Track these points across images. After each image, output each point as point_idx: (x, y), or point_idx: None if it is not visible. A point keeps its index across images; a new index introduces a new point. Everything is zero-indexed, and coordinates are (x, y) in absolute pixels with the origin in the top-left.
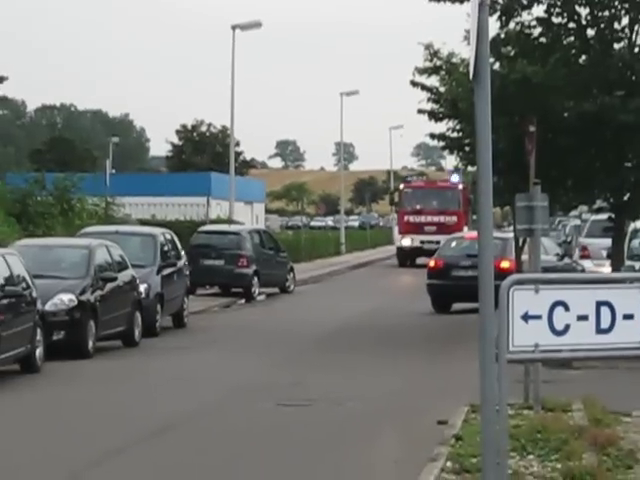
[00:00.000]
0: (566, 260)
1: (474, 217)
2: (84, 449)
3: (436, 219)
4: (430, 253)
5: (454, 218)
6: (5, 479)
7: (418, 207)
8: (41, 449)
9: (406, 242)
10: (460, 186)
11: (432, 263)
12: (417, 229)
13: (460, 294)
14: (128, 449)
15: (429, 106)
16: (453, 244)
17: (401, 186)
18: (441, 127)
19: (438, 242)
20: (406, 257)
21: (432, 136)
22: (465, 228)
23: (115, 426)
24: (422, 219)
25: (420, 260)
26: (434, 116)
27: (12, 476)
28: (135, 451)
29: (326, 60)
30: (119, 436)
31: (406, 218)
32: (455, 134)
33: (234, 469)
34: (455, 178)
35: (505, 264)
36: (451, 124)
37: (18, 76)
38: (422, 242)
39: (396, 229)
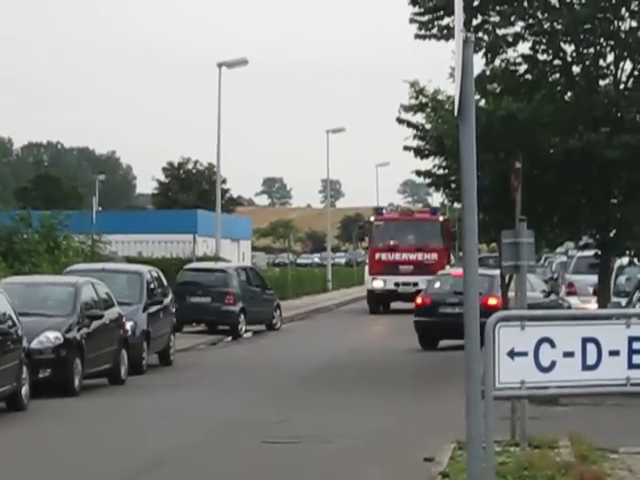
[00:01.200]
0: (552, 297)
1: (460, 254)
2: None
3: (413, 257)
4: (406, 297)
5: (434, 255)
6: None
7: (392, 243)
8: None
9: (378, 284)
10: (440, 218)
11: (419, 300)
12: (391, 269)
13: (447, 331)
14: None
15: (415, 143)
16: (440, 281)
17: (372, 218)
18: (427, 164)
19: (416, 284)
20: (378, 302)
21: (418, 173)
22: (447, 267)
23: (103, 463)
24: (396, 257)
25: (396, 305)
26: (420, 153)
27: None
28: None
29: (312, 98)
30: (108, 473)
31: (378, 256)
32: (441, 171)
33: None
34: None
35: (492, 301)
36: (437, 161)
37: (4, 114)
38: (397, 284)
39: (367, 269)
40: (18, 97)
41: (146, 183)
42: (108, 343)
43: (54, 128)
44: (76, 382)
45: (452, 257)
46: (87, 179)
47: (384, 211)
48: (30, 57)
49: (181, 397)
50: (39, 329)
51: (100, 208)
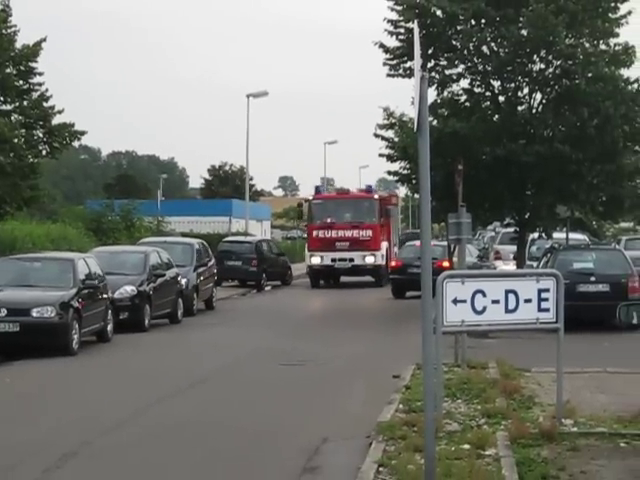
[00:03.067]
0: (483, 261)
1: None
2: (144, 396)
3: (349, 234)
4: (343, 273)
5: (369, 232)
6: (93, 415)
7: (329, 221)
8: (114, 394)
9: (316, 260)
10: (376, 195)
11: (393, 263)
12: (328, 246)
13: (412, 285)
14: (179, 393)
15: (387, 151)
16: (409, 249)
17: (310, 197)
18: (395, 166)
19: (352, 260)
20: (317, 277)
21: (389, 172)
22: (384, 244)
23: (165, 380)
24: (333, 234)
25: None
26: (390, 158)
27: (99, 412)
28: (185, 393)
29: (314, 118)
30: (167, 387)
31: (315, 233)
32: (405, 171)
33: (251, 405)
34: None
35: (446, 264)
36: (402, 164)
37: (95, 130)
38: (333, 260)
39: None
40: (104, 118)
41: (196, 180)
42: (169, 294)
43: (131, 140)
44: (146, 322)
45: (391, 233)
46: (154, 177)
47: (322, 189)
48: (111, 88)
49: (221, 332)
50: (120, 284)
51: (163, 198)
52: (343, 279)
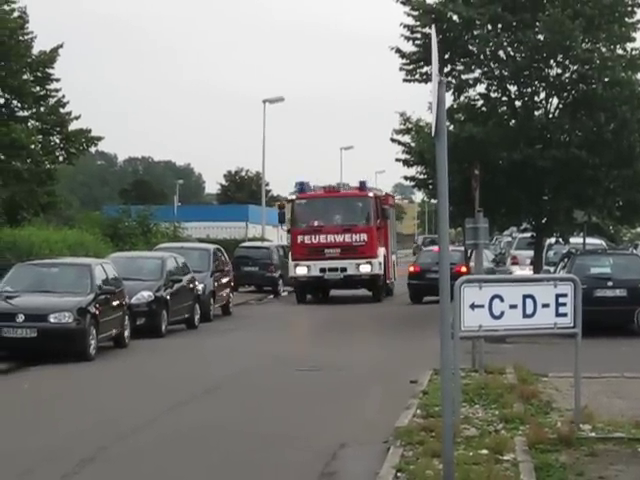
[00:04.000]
0: (499, 266)
1: (419, 238)
2: (160, 401)
3: (340, 239)
4: (334, 285)
5: (363, 236)
6: (109, 421)
7: (316, 224)
8: (130, 400)
9: (301, 271)
10: (370, 194)
11: (412, 269)
12: (315, 253)
13: (430, 290)
14: (195, 399)
15: (404, 156)
16: (427, 254)
17: (292, 196)
18: (412, 171)
19: (344, 269)
20: (304, 290)
21: (406, 178)
22: (382, 250)
23: (180, 385)
24: (321, 239)
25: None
26: (407, 163)
27: (116, 418)
28: (201, 399)
29: (330, 123)
30: (182, 393)
31: (300, 239)
32: (422, 176)
33: (267, 411)
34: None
35: (463, 269)
36: (419, 169)
37: (111, 137)
38: (322, 270)
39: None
40: (121, 125)
41: (212, 186)
42: (186, 299)
43: (147, 146)
44: (163, 327)
45: (389, 238)
46: (170, 183)
47: (306, 187)
48: (128, 94)
49: (238, 337)
50: (137, 289)
51: (179, 204)
52: (333, 292)
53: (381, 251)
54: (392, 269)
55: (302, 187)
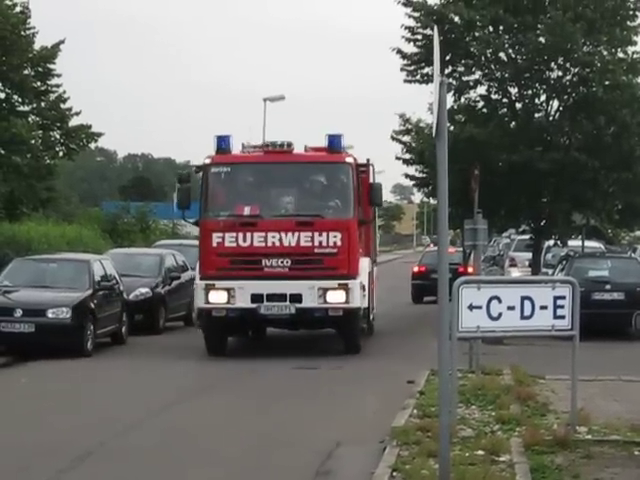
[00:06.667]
0: (492, 267)
1: (426, 238)
2: (158, 398)
3: (291, 241)
4: (277, 324)
5: (334, 238)
6: (106, 417)
7: (247, 212)
8: (127, 396)
9: (217, 298)
10: (349, 158)
11: (416, 269)
12: (244, 266)
13: (433, 291)
14: (192, 396)
15: (404, 155)
16: (431, 255)
17: (206, 160)
18: (411, 170)
19: (297, 298)
20: (219, 333)
21: (406, 176)
22: (364, 262)
23: (181, 381)
24: (256, 241)
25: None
26: (407, 162)
27: (113, 414)
28: (198, 396)
29: (330, 122)
30: (184, 387)
31: (216, 240)
32: (421, 175)
33: (264, 409)
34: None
35: (470, 269)
36: (419, 168)
37: (111, 132)
38: (256, 299)
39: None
40: (121, 121)
41: None
42: (184, 296)
43: (146, 143)
44: (161, 324)
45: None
46: (170, 180)
47: (230, 144)
48: (127, 91)
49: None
50: (134, 286)
51: None
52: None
53: (364, 265)
54: (374, 292)
55: (223, 144)
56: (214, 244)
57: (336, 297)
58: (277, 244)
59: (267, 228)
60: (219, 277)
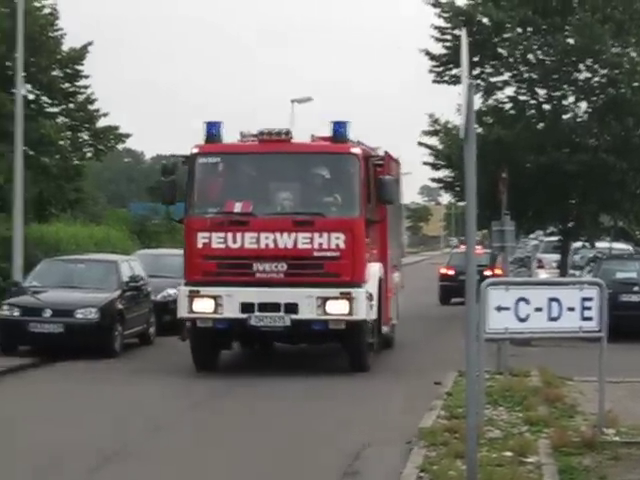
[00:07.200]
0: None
1: (453, 239)
2: (185, 398)
3: (287, 242)
4: (270, 337)
5: (337, 240)
6: (134, 416)
7: (237, 208)
8: (155, 396)
9: (202, 307)
10: (355, 149)
11: (444, 270)
12: (233, 271)
13: (460, 292)
14: (215, 397)
15: (431, 159)
16: (459, 257)
17: (194, 149)
18: (439, 174)
19: (292, 308)
20: (206, 347)
21: (433, 180)
22: (374, 268)
23: (208, 381)
24: (248, 242)
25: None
26: (434, 166)
27: (141, 414)
28: (226, 395)
29: (358, 122)
30: (211, 387)
31: (203, 240)
32: (449, 179)
33: (291, 409)
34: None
35: (497, 271)
36: (446, 172)
37: (139, 135)
38: (247, 308)
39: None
40: (148, 123)
41: None
42: None
43: (175, 145)
44: None
45: (388, 242)
46: None
47: (221, 132)
48: (155, 90)
49: None
50: (162, 287)
51: None
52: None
53: (373, 271)
54: (393, 301)
55: (213, 132)
56: (200, 245)
57: (337, 308)
58: (271, 246)
59: (260, 228)
60: (205, 283)
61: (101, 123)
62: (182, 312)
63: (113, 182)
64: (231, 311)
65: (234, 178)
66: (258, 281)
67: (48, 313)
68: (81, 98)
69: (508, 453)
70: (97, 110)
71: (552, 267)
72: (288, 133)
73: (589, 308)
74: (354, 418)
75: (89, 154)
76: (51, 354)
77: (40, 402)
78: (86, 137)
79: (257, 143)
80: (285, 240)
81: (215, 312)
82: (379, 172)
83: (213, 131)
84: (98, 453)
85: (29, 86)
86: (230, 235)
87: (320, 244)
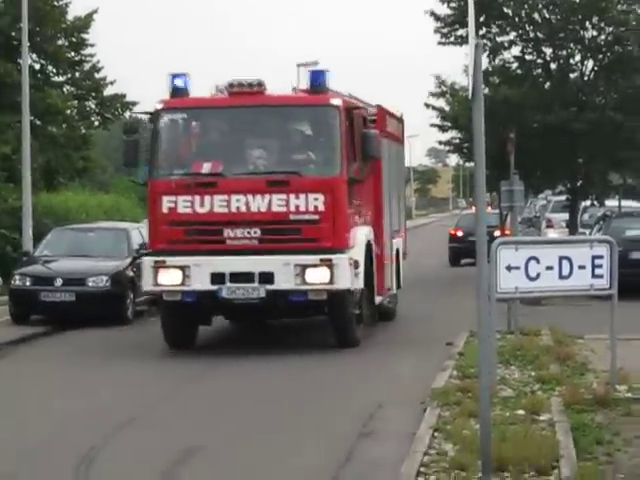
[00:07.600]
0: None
1: (462, 201)
2: (197, 365)
3: (261, 205)
4: (243, 310)
5: (315, 201)
6: (148, 383)
7: (205, 169)
8: (167, 363)
9: (168, 279)
10: (336, 100)
11: (453, 231)
12: (202, 238)
13: (471, 253)
14: (233, 362)
15: (438, 121)
16: (468, 218)
17: (158, 105)
18: (446, 136)
19: (268, 277)
20: (176, 324)
21: (440, 142)
22: (362, 231)
23: (222, 348)
24: (218, 206)
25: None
26: (441, 128)
27: (155, 381)
28: (238, 362)
29: (361, 86)
30: (227, 353)
31: (168, 204)
32: (457, 141)
33: (304, 372)
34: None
35: (507, 231)
36: (453, 133)
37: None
38: (217, 279)
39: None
40: (155, 89)
41: None
42: None
43: None
44: None
45: (383, 203)
46: None
47: (187, 85)
48: (162, 58)
49: None
50: None
51: None
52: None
53: (360, 235)
54: (390, 269)
55: (179, 85)
56: (165, 210)
57: (317, 276)
58: (243, 210)
59: (231, 189)
60: (171, 252)
61: (108, 92)
62: (147, 285)
63: (120, 150)
64: (200, 282)
65: (202, 136)
66: (229, 249)
67: (59, 282)
68: (87, 67)
69: (521, 411)
70: (103, 78)
71: (561, 226)
72: (261, 84)
73: (600, 266)
74: (367, 380)
75: (96, 123)
76: (63, 323)
77: (53, 370)
78: (93, 106)
79: (228, 95)
80: (258, 203)
81: (183, 284)
82: (363, 121)
83: (179, 84)
84: (113, 419)
85: (35, 56)
86: (198, 198)
87: (297, 206)
